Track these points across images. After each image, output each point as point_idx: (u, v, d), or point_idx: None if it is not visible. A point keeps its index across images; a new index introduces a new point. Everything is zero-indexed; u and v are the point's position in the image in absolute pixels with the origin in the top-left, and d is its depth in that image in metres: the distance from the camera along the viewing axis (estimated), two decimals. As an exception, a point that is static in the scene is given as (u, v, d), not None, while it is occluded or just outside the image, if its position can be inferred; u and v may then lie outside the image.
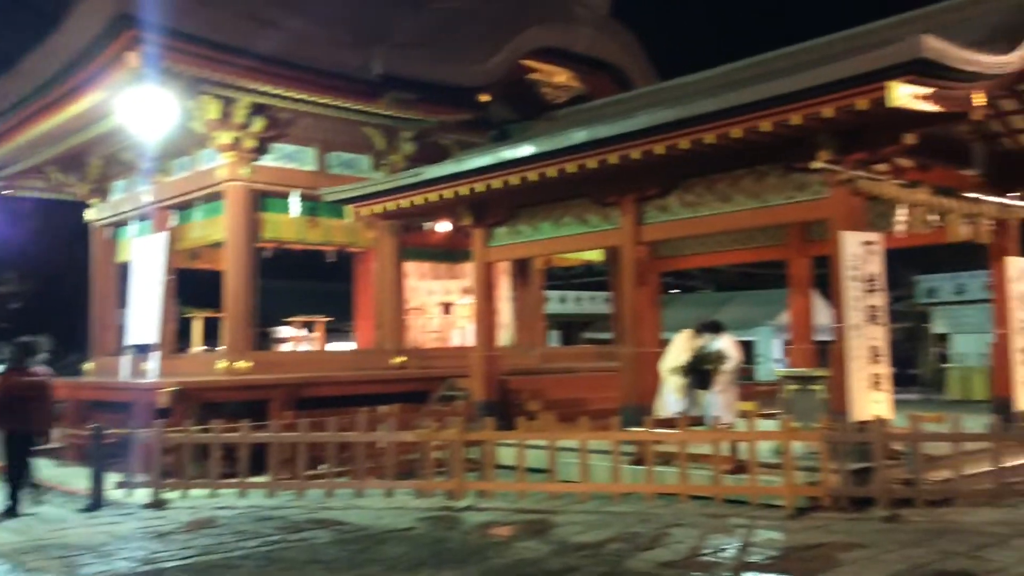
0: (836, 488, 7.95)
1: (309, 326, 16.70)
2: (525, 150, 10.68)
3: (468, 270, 16.73)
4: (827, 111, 7.93)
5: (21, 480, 9.44)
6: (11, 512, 9.21)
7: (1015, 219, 10.63)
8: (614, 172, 10.06)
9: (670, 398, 10.40)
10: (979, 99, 7.81)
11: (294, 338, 17.19)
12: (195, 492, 9.67)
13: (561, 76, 15.61)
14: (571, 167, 10.17)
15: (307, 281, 24.99)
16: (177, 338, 14.27)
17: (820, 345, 11.10)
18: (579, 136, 10.11)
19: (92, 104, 11.99)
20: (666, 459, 8.80)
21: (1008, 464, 8.22)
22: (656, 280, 11.99)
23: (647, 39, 16.18)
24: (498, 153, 11.09)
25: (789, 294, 12.72)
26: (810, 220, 10.83)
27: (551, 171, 10.37)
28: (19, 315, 32.14)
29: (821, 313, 12.97)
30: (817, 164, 8.67)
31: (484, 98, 14.06)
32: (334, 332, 20.61)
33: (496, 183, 11.04)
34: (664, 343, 11.18)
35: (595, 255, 17.39)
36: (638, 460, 8.99)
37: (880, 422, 8.07)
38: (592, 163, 9.94)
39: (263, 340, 16.96)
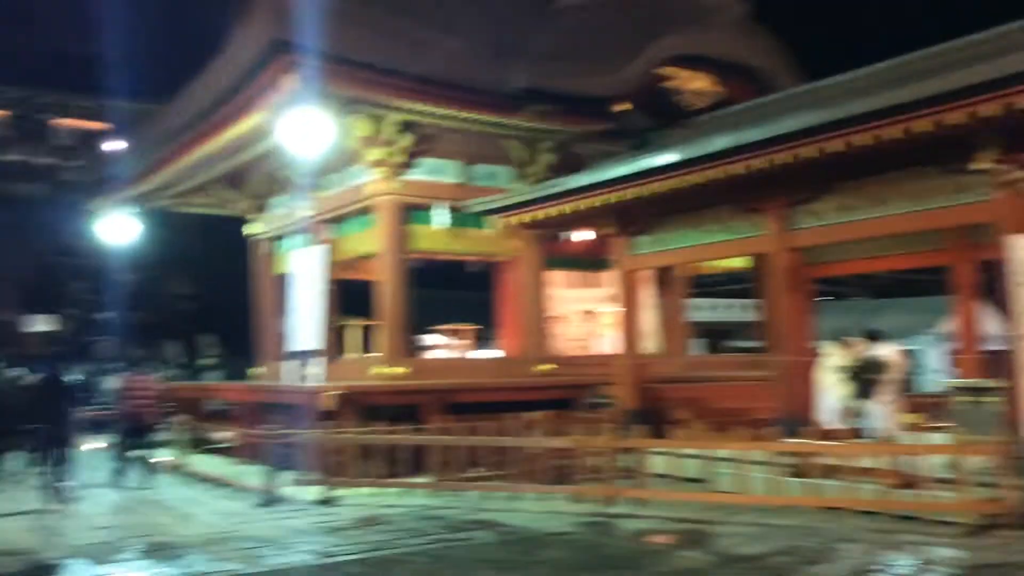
0: (1018, 505, 7.59)
1: (456, 334, 17.14)
2: (667, 158, 10.72)
3: (609, 278, 16.87)
4: (990, 110, 7.65)
5: (132, 460, 11.86)
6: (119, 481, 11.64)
7: None
8: (760, 178, 9.95)
9: (829, 408, 10.19)
10: None
11: (440, 345, 17.69)
12: (361, 490, 10.16)
13: (699, 82, 15.53)
14: (715, 174, 10.14)
15: (451, 290, 25.58)
16: (335, 345, 14.93)
17: (988, 355, 10.62)
18: (723, 142, 10.07)
19: (252, 126, 12.68)
20: (827, 471, 8.65)
21: None
22: (808, 287, 11.76)
23: (791, 41, 15.91)
24: (640, 162, 11.18)
25: (952, 301, 12.20)
26: (973, 223, 10.41)
27: (694, 178, 10.36)
28: (189, 317, 34.55)
29: (987, 321, 12.39)
30: (981, 165, 8.38)
31: (621, 107, 14.16)
32: (478, 340, 21.05)
33: (638, 192, 11.10)
34: (816, 352, 10.97)
35: (739, 262, 17.17)
36: (798, 472, 8.86)
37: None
38: (737, 169, 9.87)
39: (411, 347, 17.50)
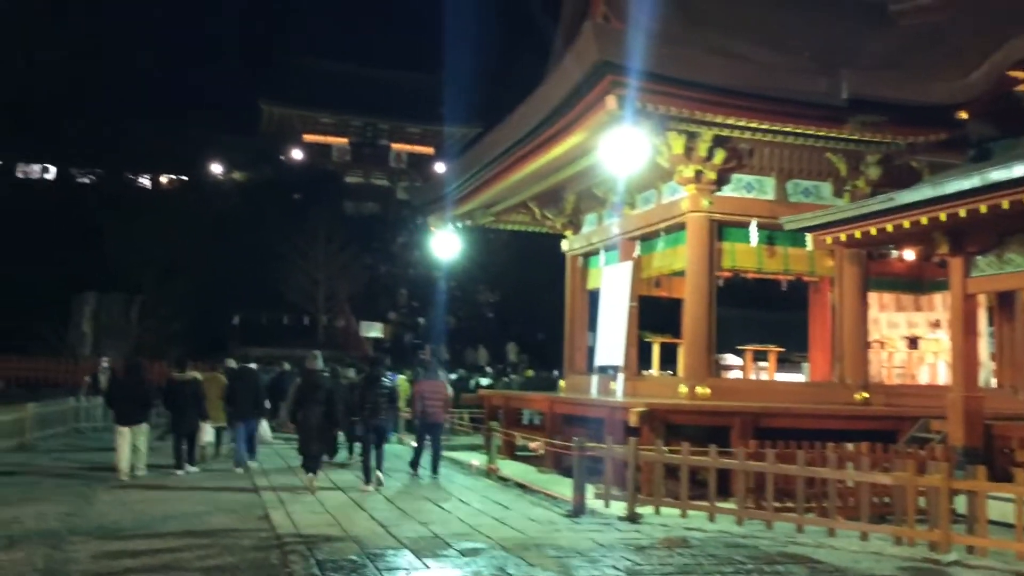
0: None
1: (760, 355, 16.58)
2: (1019, 170, 9.60)
3: (937, 302, 15.51)
4: None
5: (431, 451, 13.48)
6: (414, 470, 13.38)
7: None
8: None
9: None
10: None
11: (741, 366, 17.21)
12: (665, 510, 10.08)
13: (1056, 85, 13.81)
14: (1078, 188, 8.96)
15: (751, 309, 24.88)
16: (638, 361, 15.04)
17: None
18: (1091, 152, 8.85)
19: (572, 146, 13.10)
20: None
21: None
22: None
23: None
24: (986, 174, 10.09)
25: None
26: None
27: (1052, 193, 9.22)
28: (493, 324, 36.88)
29: None
30: None
31: (962, 115, 12.95)
32: (781, 362, 20.29)
33: (982, 207, 10.08)
34: None
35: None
36: None
37: None
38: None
39: (714, 367, 17.23)
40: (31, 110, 38.14)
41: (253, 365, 15.16)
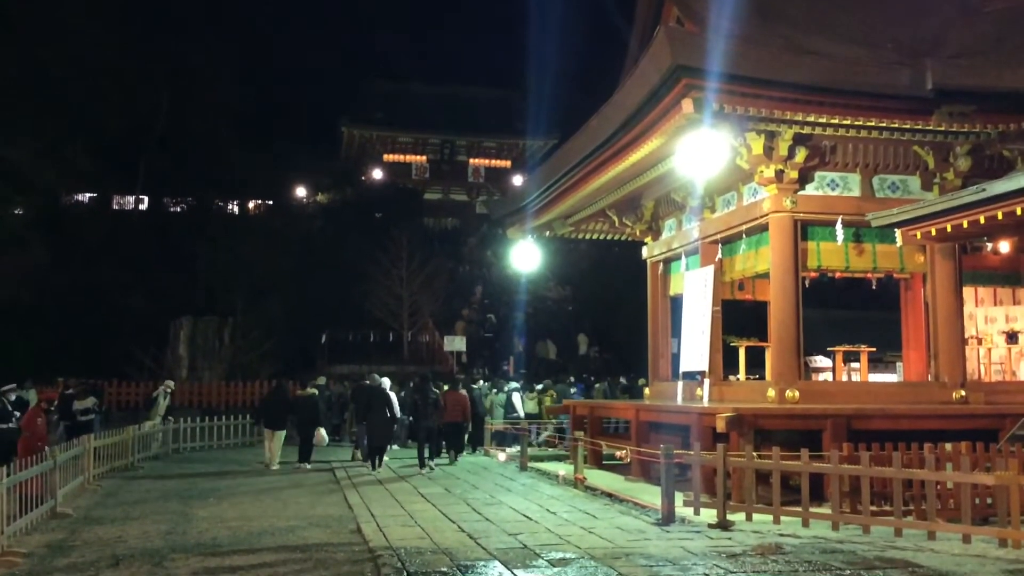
0: None
1: (851, 356, 16.16)
2: (1121, 154, 9.18)
3: (1039, 295, 14.91)
4: None
5: (459, 449, 18.05)
6: (453, 462, 17.19)
7: None
8: None
9: None
10: None
11: (831, 368, 16.79)
12: (757, 516, 9.89)
13: None
14: None
15: (840, 309, 24.29)
16: (723, 366, 14.83)
17: None
18: None
19: (648, 151, 13.00)
20: None
21: None
22: None
23: None
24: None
25: None
26: None
27: None
28: (568, 319, 37.26)
29: None
30: None
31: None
32: (874, 363, 19.73)
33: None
34: None
35: None
36: None
37: None
38: None
39: (802, 369, 16.87)
40: (124, 144, 39.73)
41: (366, 382, 17.95)
